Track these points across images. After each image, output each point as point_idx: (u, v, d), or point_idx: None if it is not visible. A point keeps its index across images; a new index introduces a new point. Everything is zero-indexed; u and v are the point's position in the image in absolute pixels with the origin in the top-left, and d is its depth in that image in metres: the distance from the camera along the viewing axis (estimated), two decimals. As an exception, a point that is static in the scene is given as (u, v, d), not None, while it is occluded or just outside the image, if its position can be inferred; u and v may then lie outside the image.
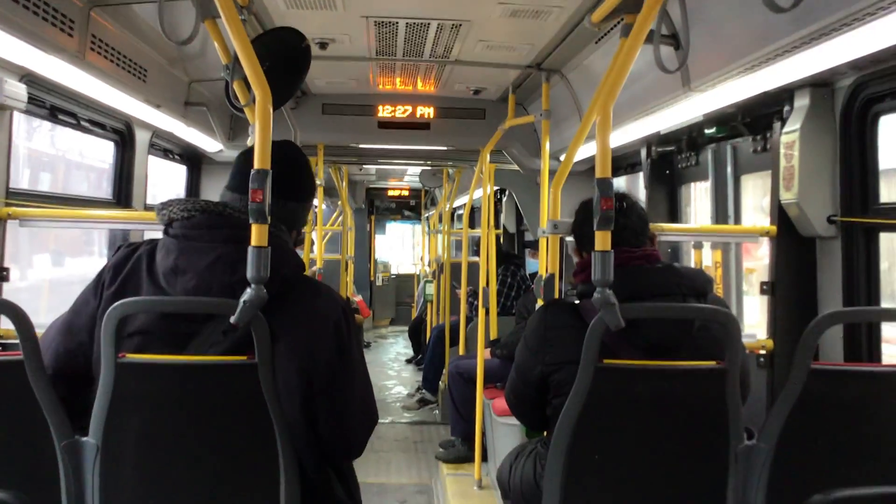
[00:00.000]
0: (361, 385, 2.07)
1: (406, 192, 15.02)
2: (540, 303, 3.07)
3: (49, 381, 1.85)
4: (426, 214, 14.98)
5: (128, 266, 1.96)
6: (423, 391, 8.10)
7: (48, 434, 1.87)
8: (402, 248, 18.27)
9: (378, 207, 16.96)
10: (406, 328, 14.46)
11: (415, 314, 13.64)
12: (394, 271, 16.50)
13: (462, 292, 6.58)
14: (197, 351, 1.88)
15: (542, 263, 3.22)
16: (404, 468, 6.24)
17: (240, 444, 1.94)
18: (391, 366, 11.12)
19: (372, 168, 10.53)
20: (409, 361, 11.21)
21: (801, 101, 3.11)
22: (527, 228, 9.73)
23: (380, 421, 7.56)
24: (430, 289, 9.51)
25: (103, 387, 1.83)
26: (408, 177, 12.40)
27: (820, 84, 3.06)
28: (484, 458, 5.20)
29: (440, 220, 10.45)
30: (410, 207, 17.01)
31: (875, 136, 3.01)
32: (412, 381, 9.81)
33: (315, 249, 7.36)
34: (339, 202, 8.88)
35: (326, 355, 1.95)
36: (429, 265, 11.38)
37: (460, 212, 10.16)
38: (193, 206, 1.95)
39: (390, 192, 15.11)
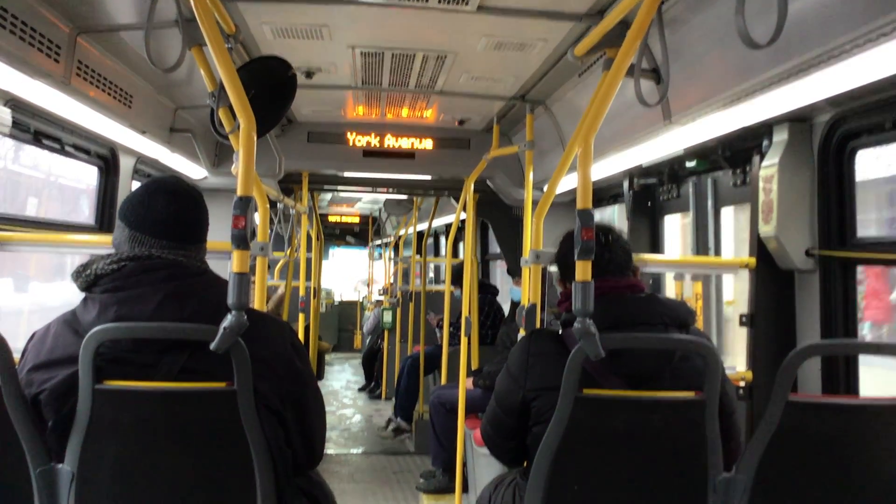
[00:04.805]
0: (316, 397, 2.16)
1: (356, 219, 14.94)
2: (522, 332, 3.08)
3: (26, 406, 1.84)
4: (375, 242, 14.94)
5: (49, 338, 1.93)
6: (398, 420, 8.03)
7: (23, 460, 1.84)
8: (345, 275, 17.98)
9: (323, 233, 16.85)
10: (349, 355, 14.42)
11: (359, 341, 13.51)
12: (336, 298, 16.34)
13: (445, 322, 6.58)
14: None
15: (524, 293, 3.23)
16: (385, 499, 6.18)
17: (217, 469, 1.93)
18: (345, 394, 10.90)
19: (327, 195, 10.51)
20: (361, 390, 11.02)
21: (780, 136, 3.16)
22: (492, 257, 9.77)
23: (352, 451, 7.52)
24: (388, 317, 9.45)
25: (80, 413, 1.81)
26: (359, 204, 12.37)
27: (798, 119, 3.11)
28: (465, 489, 5.16)
29: (395, 248, 10.32)
30: (355, 234, 16.88)
31: (852, 170, 3.06)
32: (370, 409, 9.69)
33: (299, 277, 7.34)
34: (310, 229, 8.88)
35: (291, 373, 2.02)
36: (383, 293, 11.19)
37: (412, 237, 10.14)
38: (119, 258, 1.94)
39: (332, 218, 14.95)
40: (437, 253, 13.43)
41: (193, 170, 5.17)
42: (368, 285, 14.54)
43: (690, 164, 3.93)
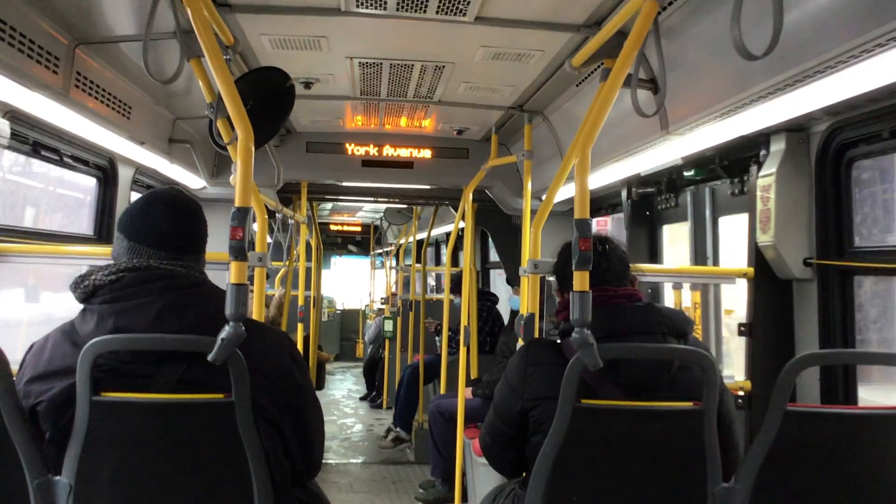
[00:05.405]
0: (315, 408, 2.15)
1: (357, 227, 14.92)
2: (520, 342, 3.08)
3: (23, 418, 1.83)
4: (377, 250, 14.95)
5: (47, 349, 1.93)
6: (397, 429, 8.01)
7: (21, 472, 1.84)
8: (347, 284, 17.93)
9: (324, 242, 16.84)
10: (351, 364, 14.39)
11: (360, 350, 13.45)
12: (339, 307, 16.23)
13: (444, 331, 6.57)
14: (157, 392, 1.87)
15: (522, 303, 3.23)
16: (384, 509, 6.17)
17: (214, 480, 1.92)
18: (346, 403, 10.90)
19: (328, 204, 10.54)
20: (362, 399, 11.03)
21: (777, 146, 3.17)
22: (492, 266, 9.77)
23: (352, 461, 7.49)
24: (389, 325, 9.43)
25: (78, 425, 1.80)
26: (361, 212, 12.36)
27: (795, 129, 3.12)
28: (464, 499, 5.15)
29: (396, 257, 10.21)
30: (356, 242, 16.85)
31: (849, 180, 3.06)
32: (371, 419, 9.70)
33: (298, 286, 7.34)
34: (310, 238, 8.88)
35: (289, 384, 2.02)
36: (384, 301, 11.20)
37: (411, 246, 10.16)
38: (118, 268, 1.93)
39: (334, 227, 14.90)
40: (437, 262, 13.43)
41: (192, 180, 5.18)
42: (370, 293, 14.50)
43: (688, 173, 3.94)
